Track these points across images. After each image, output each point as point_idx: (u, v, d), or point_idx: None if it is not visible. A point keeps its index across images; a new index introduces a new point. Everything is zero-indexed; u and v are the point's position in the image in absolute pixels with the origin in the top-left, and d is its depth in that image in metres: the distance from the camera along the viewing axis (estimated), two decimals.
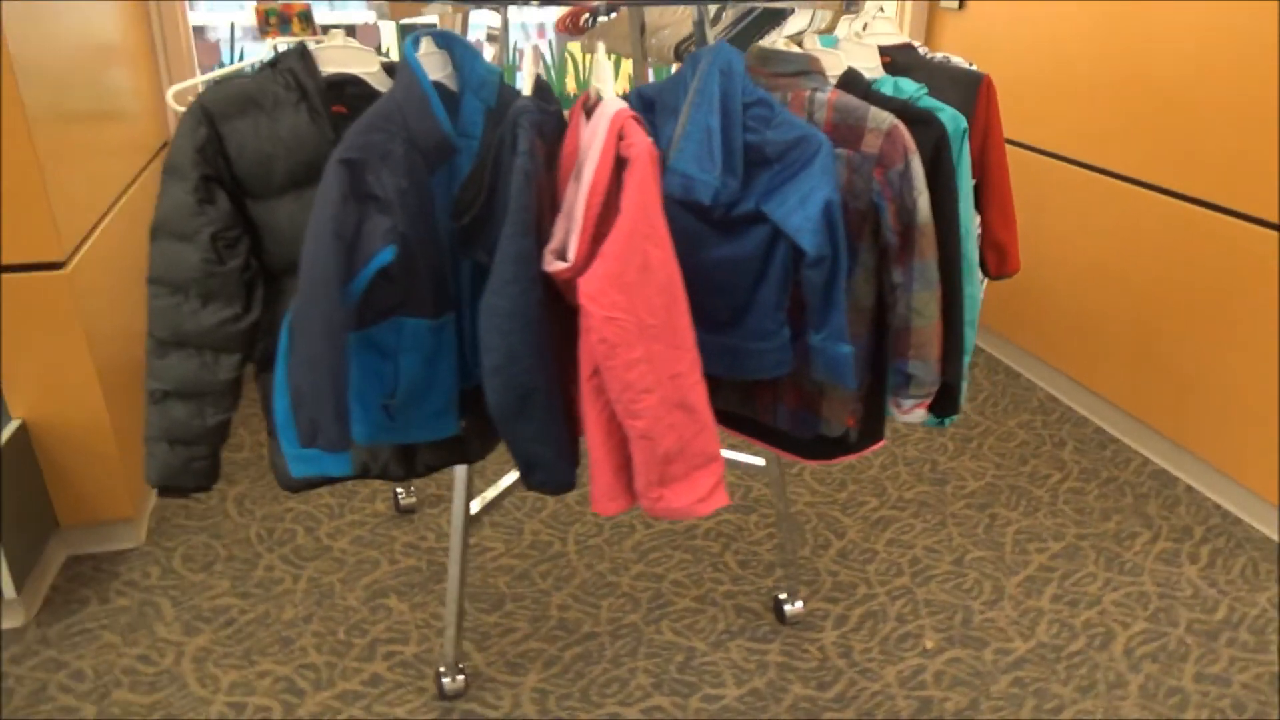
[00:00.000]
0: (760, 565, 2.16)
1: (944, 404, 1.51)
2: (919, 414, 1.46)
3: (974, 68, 1.70)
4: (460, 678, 1.78)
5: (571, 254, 1.19)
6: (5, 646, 1.89)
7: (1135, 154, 2.44)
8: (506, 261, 1.18)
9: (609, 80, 1.28)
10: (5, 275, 1.82)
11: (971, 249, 1.57)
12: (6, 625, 1.94)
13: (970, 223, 1.55)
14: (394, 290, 1.30)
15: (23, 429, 1.94)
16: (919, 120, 1.38)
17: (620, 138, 1.19)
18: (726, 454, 1.87)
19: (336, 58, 1.37)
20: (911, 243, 1.34)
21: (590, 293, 1.16)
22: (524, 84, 1.28)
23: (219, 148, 1.32)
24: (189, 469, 1.42)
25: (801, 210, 1.25)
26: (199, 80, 1.35)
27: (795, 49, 1.39)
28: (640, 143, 1.16)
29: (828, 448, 1.58)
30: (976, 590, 2.08)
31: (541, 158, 1.25)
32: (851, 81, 1.44)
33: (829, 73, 1.44)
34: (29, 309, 1.84)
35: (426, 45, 1.32)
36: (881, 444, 1.64)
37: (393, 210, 1.24)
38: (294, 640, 1.92)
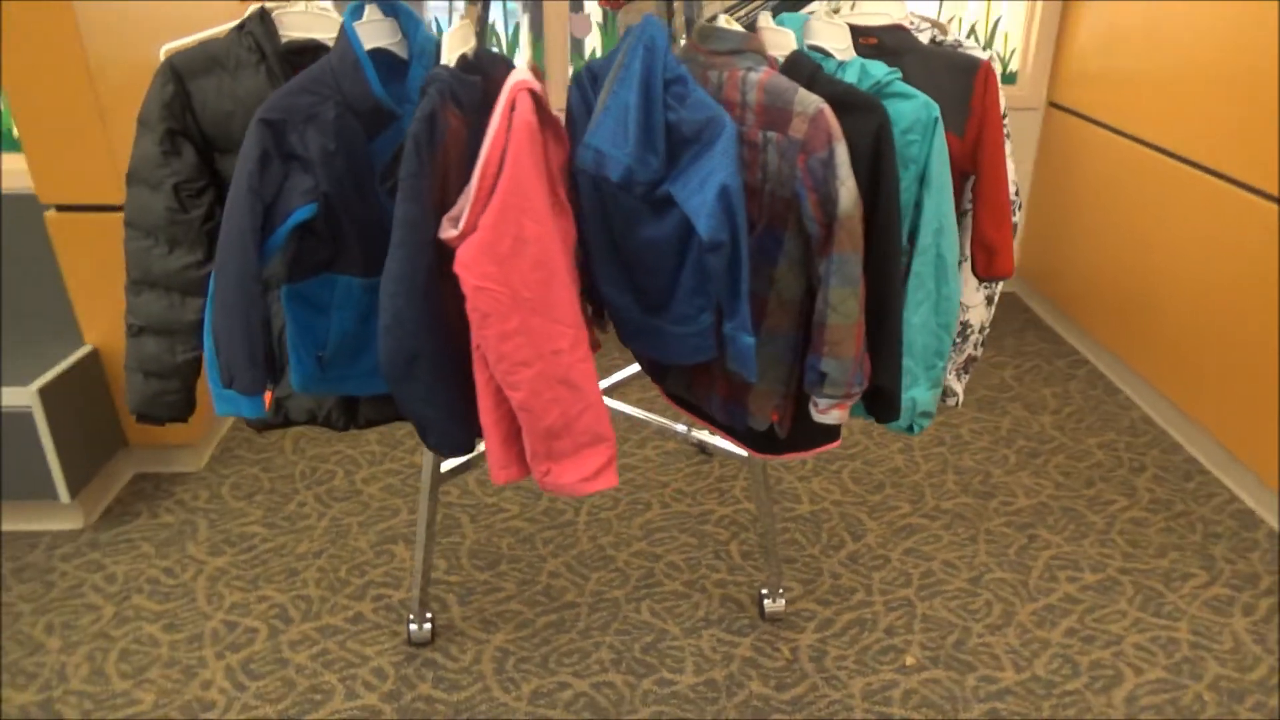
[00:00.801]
0: (760, 558, 2.11)
1: (880, 409, 1.43)
2: (835, 415, 1.39)
3: (985, 53, 1.58)
4: (426, 626, 1.85)
5: (462, 223, 1.21)
6: (59, 545, 2.13)
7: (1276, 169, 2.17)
8: (395, 226, 1.21)
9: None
10: (75, 214, 2.03)
11: (949, 247, 1.47)
12: (67, 527, 2.18)
13: (946, 218, 1.45)
14: (321, 247, 1.36)
15: (93, 354, 2.16)
16: (859, 107, 1.30)
17: (513, 109, 1.19)
18: (719, 442, 1.84)
19: (299, 23, 1.43)
20: (832, 235, 1.27)
21: (464, 261, 1.18)
22: (445, 51, 1.30)
23: (186, 104, 1.42)
24: (161, 400, 1.55)
25: (700, 193, 1.22)
26: (193, 39, 1.45)
27: (734, 26, 1.34)
28: (521, 116, 1.16)
29: (774, 442, 1.53)
30: (983, 612, 1.95)
31: (454, 125, 1.27)
32: (796, 62, 1.38)
33: (777, 52, 1.38)
34: (96, 246, 2.05)
35: (371, 12, 1.36)
36: (835, 444, 1.57)
37: (314, 170, 1.30)
38: (299, 572, 2.05)
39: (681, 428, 2.12)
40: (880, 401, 1.42)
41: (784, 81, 1.28)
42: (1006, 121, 1.61)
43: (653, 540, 2.17)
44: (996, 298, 1.75)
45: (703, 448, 2.51)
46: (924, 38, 1.61)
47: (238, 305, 1.29)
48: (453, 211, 1.25)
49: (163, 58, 1.45)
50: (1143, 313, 2.66)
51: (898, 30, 1.52)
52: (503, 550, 2.13)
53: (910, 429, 1.58)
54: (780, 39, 1.39)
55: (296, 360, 1.44)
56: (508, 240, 1.17)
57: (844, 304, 1.28)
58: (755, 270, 1.36)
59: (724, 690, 1.76)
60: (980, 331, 1.76)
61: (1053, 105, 3.20)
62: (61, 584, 2.01)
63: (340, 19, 1.47)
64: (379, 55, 1.40)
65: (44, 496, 2.06)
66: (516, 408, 1.24)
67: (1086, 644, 1.87)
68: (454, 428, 1.33)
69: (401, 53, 1.42)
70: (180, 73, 1.41)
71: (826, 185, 1.25)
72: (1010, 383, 2.87)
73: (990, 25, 3.22)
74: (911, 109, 1.40)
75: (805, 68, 1.35)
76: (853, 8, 1.53)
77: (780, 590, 1.94)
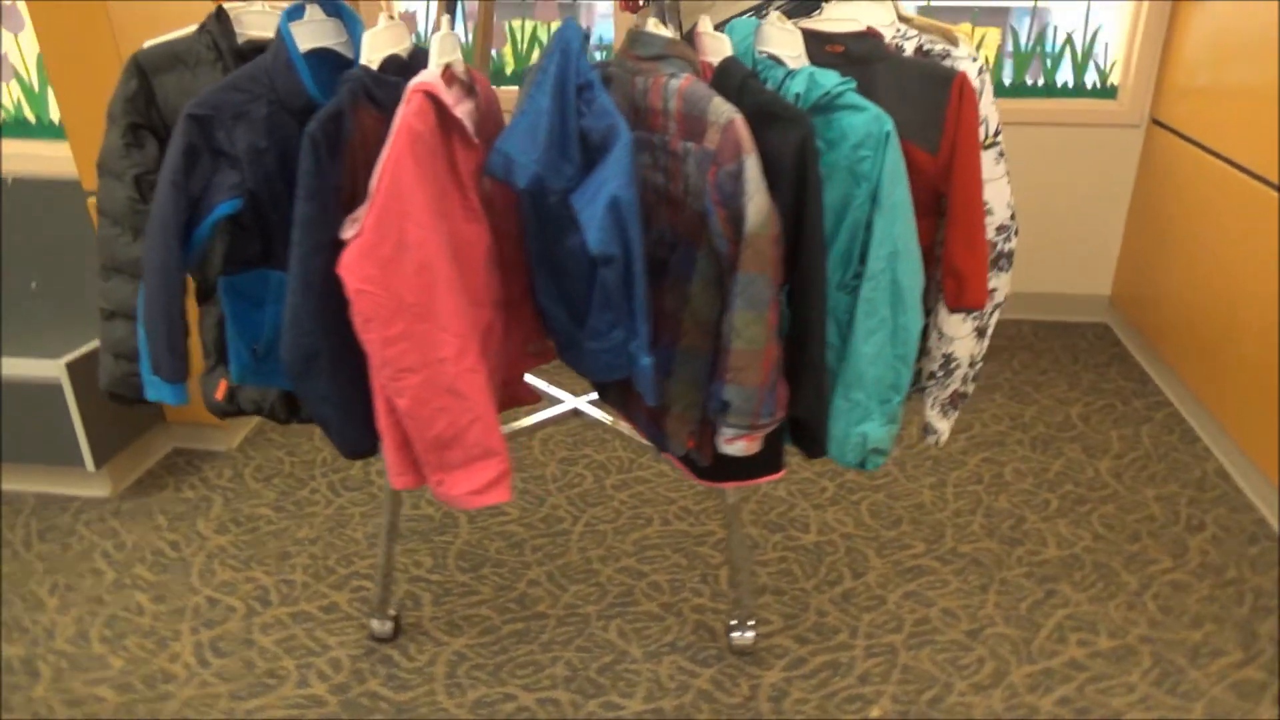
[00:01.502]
0: (751, 587, 2.02)
1: (804, 443, 1.34)
2: (740, 446, 1.30)
3: (975, 63, 1.45)
4: (388, 624, 1.86)
5: (357, 224, 1.20)
6: (85, 511, 2.25)
7: None
8: (292, 226, 1.22)
9: None
10: None
11: (907, 272, 1.36)
12: (96, 494, 2.30)
13: (902, 242, 1.35)
14: (251, 242, 1.38)
15: None
16: (783, 118, 1.22)
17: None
18: None
19: (256, 22, 1.46)
20: (739, 254, 1.19)
21: (346, 263, 1.17)
22: (365, 51, 1.30)
23: (150, 99, 1.46)
24: (129, 382, 1.61)
25: (592, 204, 1.16)
26: (171, 36, 1.50)
27: (660, 31, 1.28)
28: (403, 119, 1.14)
29: (711, 467, 1.46)
30: (973, 669, 1.81)
31: (369, 125, 1.26)
32: (726, 70, 1.30)
33: (715, 58, 1.31)
34: None
35: (312, 12, 1.37)
36: (778, 475, 1.48)
37: (241, 167, 1.32)
38: (291, 557, 2.10)
39: None
40: (803, 435, 1.32)
41: (702, 89, 1.21)
42: (999, 138, 1.49)
43: (643, 558, 2.11)
44: (990, 330, 1.61)
45: None
46: (909, 45, 1.50)
47: (159, 296, 1.32)
48: (356, 212, 1.24)
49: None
50: (1230, 357, 2.41)
51: (867, 37, 1.42)
52: (490, 554, 2.12)
53: (862, 465, 1.47)
54: (719, 45, 1.31)
55: (234, 352, 1.46)
56: (389, 244, 1.15)
57: (748, 329, 1.20)
58: (675, 288, 1.29)
59: None
60: (971, 366, 1.63)
61: (1155, 123, 2.95)
62: (76, 548, 2.13)
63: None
64: (325, 55, 1.41)
65: (72, 464, 2.18)
66: (402, 415, 1.22)
67: (1079, 716, 1.70)
68: (352, 430, 1.32)
69: (347, 53, 1.43)
70: (145, 69, 1.46)
71: (735, 201, 1.18)
72: (1075, 421, 2.66)
73: (1089, 35, 3.00)
74: (863, 122, 1.30)
75: (736, 75, 1.28)
76: (820, 10, 1.43)
77: (750, 622, 1.85)
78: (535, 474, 2.42)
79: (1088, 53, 3.01)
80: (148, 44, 1.48)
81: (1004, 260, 1.56)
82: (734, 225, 1.19)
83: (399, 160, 1.13)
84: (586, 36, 1.26)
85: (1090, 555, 2.11)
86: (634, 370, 1.25)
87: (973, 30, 3.06)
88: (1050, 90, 3.05)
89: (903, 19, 1.61)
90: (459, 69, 1.34)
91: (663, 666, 1.81)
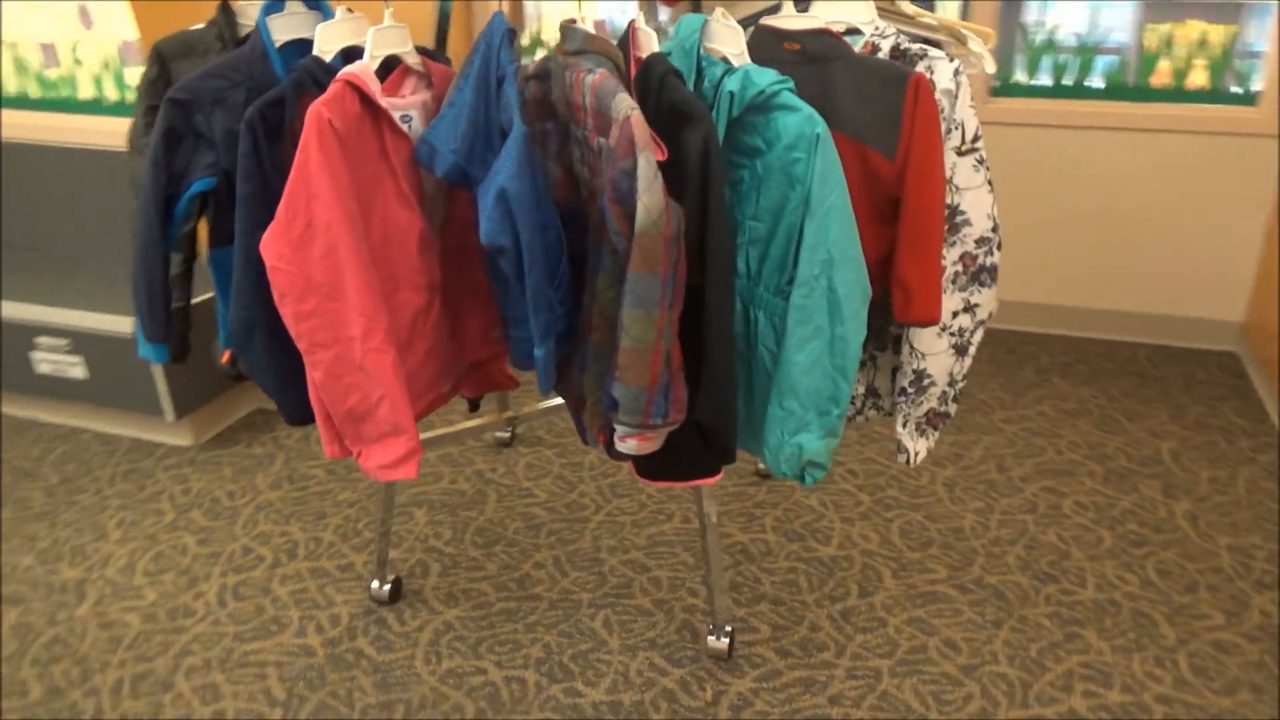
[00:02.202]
0: (751, 594, 1.99)
1: (711, 450, 1.31)
2: (632, 445, 1.28)
3: (953, 63, 1.37)
4: (386, 587, 1.96)
5: None
6: (167, 457, 2.49)
7: None
8: (236, 205, 1.31)
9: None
10: None
11: (845, 281, 1.31)
12: (177, 443, 2.54)
13: (838, 249, 1.29)
14: (227, 219, 1.49)
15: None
16: (689, 117, 1.20)
17: None
18: None
19: (254, 14, 1.56)
20: (630, 251, 1.18)
21: (265, 241, 1.25)
22: (319, 42, 1.37)
23: (167, 83, 1.60)
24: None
25: (485, 196, 1.19)
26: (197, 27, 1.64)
27: (581, 26, 1.28)
28: (313, 106, 1.20)
29: (648, 465, 1.45)
30: (956, 706, 1.71)
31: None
32: (649, 66, 1.28)
33: (642, 53, 1.30)
34: None
35: (292, 6, 1.46)
36: (712, 479, 1.46)
37: (216, 148, 1.43)
38: (326, 516, 2.25)
39: None
40: (708, 441, 1.29)
41: (610, 85, 1.21)
42: (979, 144, 1.40)
43: (652, 552, 2.12)
44: (973, 347, 1.52)
45: (761, 474, 2.39)
46: (885, 44, 1.43)
47: (142, 262, 1.45)
48: None
49: None
50: None
51: (823, 35, 1.37)
52: (506, 532, 2.19)
53: (801, 479, 1.42)
54: (649, 40, 1.30)
55: (221, 322, 1.59)
56: (298, 225, 1.22)
57: (635, 326, 1.19)
58: (588, 283, 1.30)
59: (625, 715, 1.70)
60: (951, 385, 1.54)
61: None
62: (150, 489, 2.36)
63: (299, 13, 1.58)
64: (305, 46, 1.49)
65: (153, 413, 2.42)
66: (315, 387, 1.30)
67: None
68: (288, 399, 1.40)
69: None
70: (164, 56, 1.60)
71: (630, 199, 1.17)
72: (1163, 457, 2.44)
73: (1229, 36, 2.72)
74: (796, 123, 1.26)
75: (656, 71, 1.26)
76: (778, 8, 1.39)
77: (727, 627, 1.82)
78: (573, 460, 2.46)
79: (1224, 56, 2.73)
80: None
81: (985, 275, 1.46)
82: (629, 223, 1.18)
83: (306, 145, 1.19)
84: (512, 30, 1.28)
85: (1131, 602, 1.94)
86: (537, 361, 1.27)
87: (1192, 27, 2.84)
88: (1180, 95, 2.79)
89: (906, 15, 1.54)
90: (411, 61, 1.39)
91: (636, 661, 1.82)
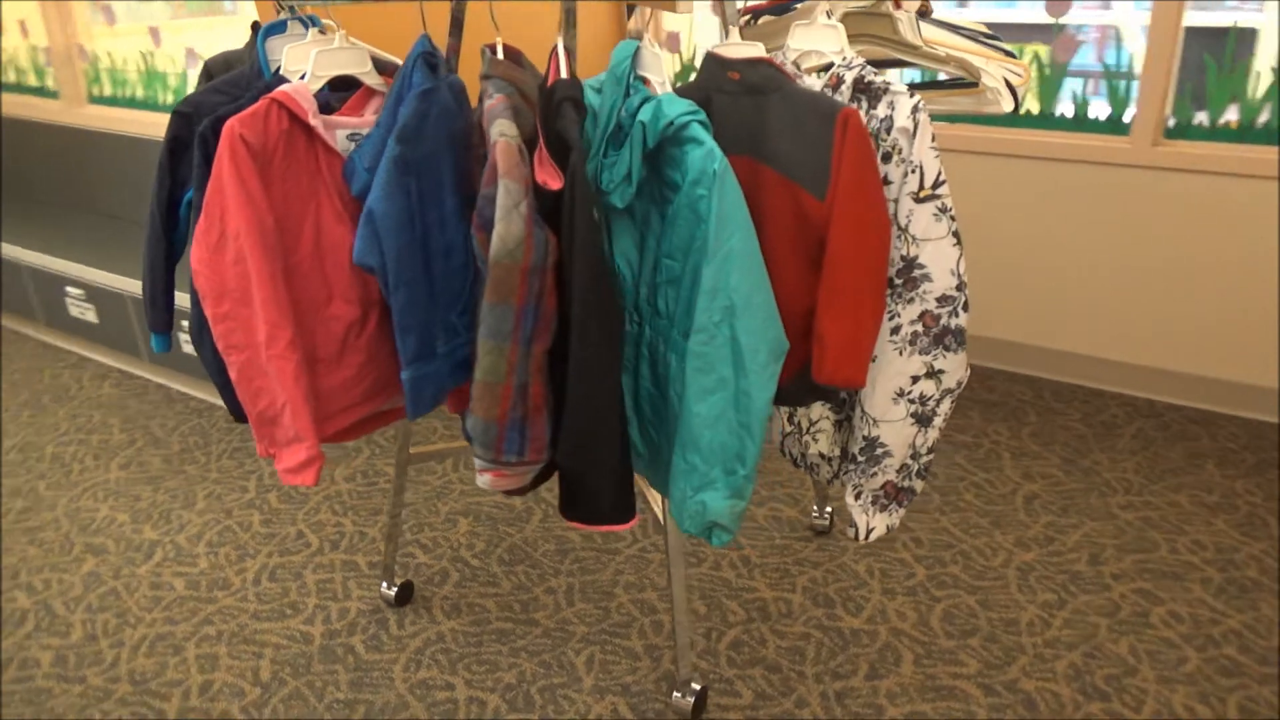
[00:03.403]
0: (749, 656, 1.87)
1: (569, 494, 1.23)
2: (486, 480, 1.22)
3: (914, 97, 1.23)
4: (393, 590, 2.02)
5: None
6: None
7: None
8: None
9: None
10: None
11: (749, 331, 1.20)
12: None
13: (740, 295, 1.20)
14: None
15: None
16: (565, 145, 1.15)
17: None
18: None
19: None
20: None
21: (192, 246, 1.33)
22: (285, 63, 1.44)
23: None
24: None
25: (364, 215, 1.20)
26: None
27: (492, 51, 1.25)
28: (229, 123, 1.26)
29: (564, 507, 1.40)
30: None
31: None
32: (552, 91, 1.23)
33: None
34: None
35: (293, 27, 1.55)
36: (621, 526, 1.38)
37: None
38: (380, 513, 2.35)
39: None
40: (570, 487, 1.23)
41: (498, 109, 1.18)
42: (940, 190, 1.25)
43: (666, 594, 2.04)
44: (939, 418, 1.35)
45: (817, 529, 2.25)
46: (849, 75, 1.30)
47: (147, 257, 1.59)
48: None
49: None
50: None
51: (761, 64, 1.26)
52: (534, 553, 2.19)
53: (710, 538, 1.32)
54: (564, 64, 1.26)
55: None
56: (215, 233, 1.28)
57: (486, 358, 1.15)
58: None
59: None
60: (913, 458, 1.38)
61: None
62: (246, 467, 2.57)
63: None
64: None
65: None
66: (235, 387, 1.36)
67: None
68: (229, 396, 1.48)
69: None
70: (210, 70, 1.74)
71: (490, 226, 1.14)
72: None
73: None
74: (699, 157, 1.19)
75: (555, 97, 1.22)
76: (728, 35, 1.30)
77: (694, 686, 1.72)
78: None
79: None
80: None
81: (951, 338, 1.30)
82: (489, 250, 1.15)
83: (220, 158, 1.26)
84: (428, 52, 1.28)
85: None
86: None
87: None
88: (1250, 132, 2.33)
89: (909, 45, 1.41)
90: (372, 82, 1.43)
91: (601, 704, 1.76)
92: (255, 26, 1.68)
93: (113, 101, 3.56)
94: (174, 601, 2.05)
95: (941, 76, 1.58)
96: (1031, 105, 2.76)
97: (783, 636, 1.91)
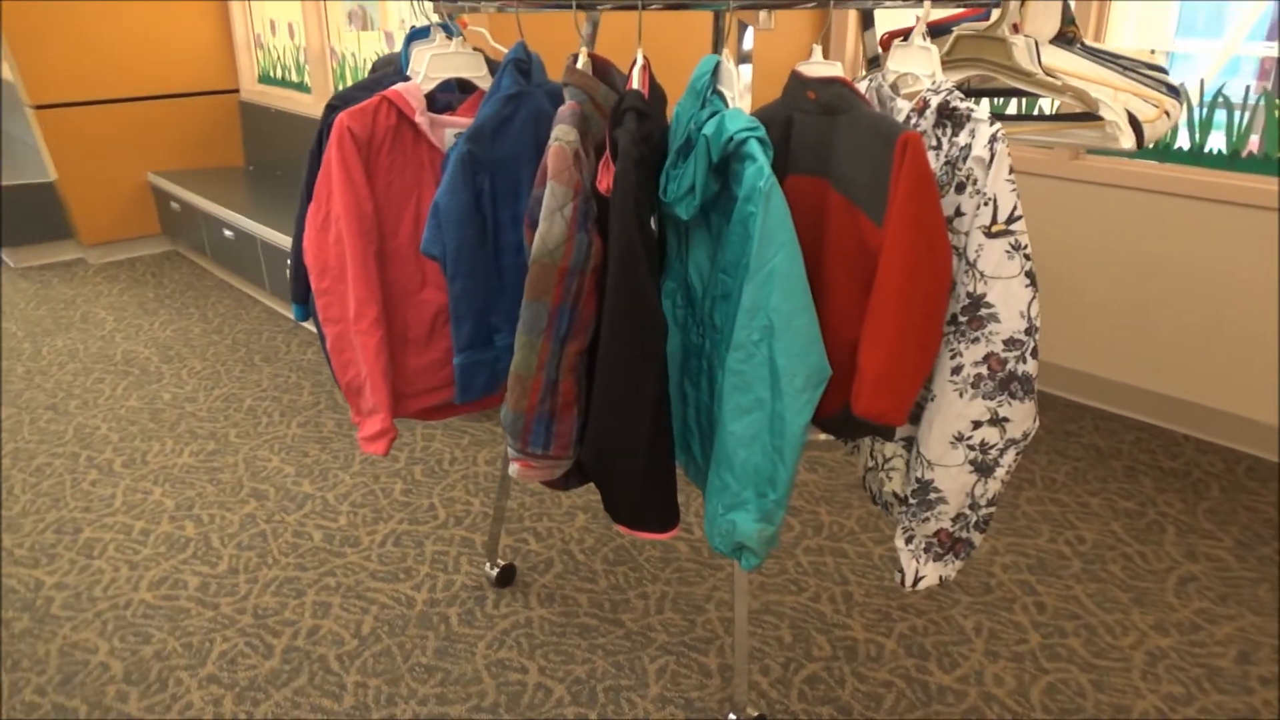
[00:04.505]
0: (821, 692, 1.81)
1: (603, 492, 1.25)
2: (515, 469, 1.25)
3: (994, 126, 1.17)
4: (495, 570, 2.11)
5: None
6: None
7: None
8: None
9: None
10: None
11: (788, 353, 1.19)
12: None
13: (780, 316, 1.19)
14: None
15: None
16: (615, 149, 1.18)
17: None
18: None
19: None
20: None
21: (306, 225, 1.47)
22: (412, 64, 1.55)
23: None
24: None
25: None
26: None
27: (571, 60, 1.29)
28: (339, 118, 1.38)
29: (607, 507, 1.43)
30: None
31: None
32: (619, 102, 1.25)
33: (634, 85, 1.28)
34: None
35: (435, 34, 1.67)
36: (668, 533, 1.38)
37: None
38: (510, 497, 2.46)
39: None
40: (601, 489, 1.25)
41: (565, 114, 1.23)
42: (1014, 226, 1.19)
43: (756, 618, 2.02)
44: (1003, 469, 1.27)
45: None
46: (934, 100, 1.25)
47: (295, 235, 1.77)
48: None
49: None
50: None
51: (834, 84, 1.24)
52: (638, 557, 2.22)
53: (740, 559, 1.31)
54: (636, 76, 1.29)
55: None
56: (322, 214, 1.41)
57: (520, 351, 1.20)
58: None
59: None
60: (971, 508, 1.30)
61: None
62: (404, 437, 2.76)
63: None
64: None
65: None
66: (330, 356, 1.49)
67: None
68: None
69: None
70: (376, 69, 1.91)
71: (537, 226, 1.19)
72: None
73: None
74: (751, 174, 1.19)
75: (621, 107, 1.25)
76: (810, 55, 1.29)
77: (750, 711, 1.69)
78: None
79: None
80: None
81: (1017, 385, 1.22)
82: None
83: (330, 147, 1.38)
84: (523, 58, 1.35)
85: None
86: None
87: None
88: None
89: (1023, 71, 1.34)
90: (485, 85, 1.52)
91: (662, 713, 1.77)
92: (412, 29, 1.82)
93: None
94: (309, 550, 2.24)
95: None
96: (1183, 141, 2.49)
97: (864, 680, 1.84)
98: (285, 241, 3.41)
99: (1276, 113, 2.43)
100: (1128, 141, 1.29)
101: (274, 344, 3.48)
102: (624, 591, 2.10)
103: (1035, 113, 2.63)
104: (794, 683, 1.83)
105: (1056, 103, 1.59)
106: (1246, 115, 2.49)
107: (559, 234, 1.16)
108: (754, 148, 1.18)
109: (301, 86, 4.26)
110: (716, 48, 1.73)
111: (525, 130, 1.35)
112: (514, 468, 1.30)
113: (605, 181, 1.24)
